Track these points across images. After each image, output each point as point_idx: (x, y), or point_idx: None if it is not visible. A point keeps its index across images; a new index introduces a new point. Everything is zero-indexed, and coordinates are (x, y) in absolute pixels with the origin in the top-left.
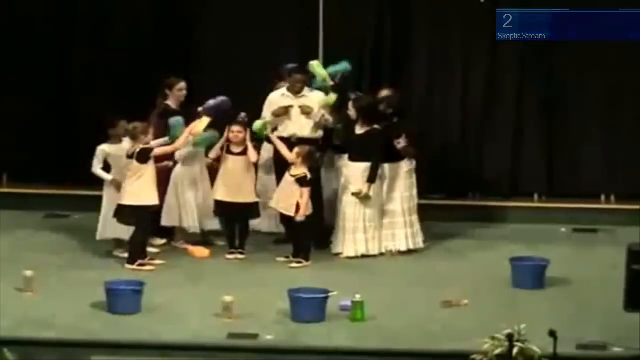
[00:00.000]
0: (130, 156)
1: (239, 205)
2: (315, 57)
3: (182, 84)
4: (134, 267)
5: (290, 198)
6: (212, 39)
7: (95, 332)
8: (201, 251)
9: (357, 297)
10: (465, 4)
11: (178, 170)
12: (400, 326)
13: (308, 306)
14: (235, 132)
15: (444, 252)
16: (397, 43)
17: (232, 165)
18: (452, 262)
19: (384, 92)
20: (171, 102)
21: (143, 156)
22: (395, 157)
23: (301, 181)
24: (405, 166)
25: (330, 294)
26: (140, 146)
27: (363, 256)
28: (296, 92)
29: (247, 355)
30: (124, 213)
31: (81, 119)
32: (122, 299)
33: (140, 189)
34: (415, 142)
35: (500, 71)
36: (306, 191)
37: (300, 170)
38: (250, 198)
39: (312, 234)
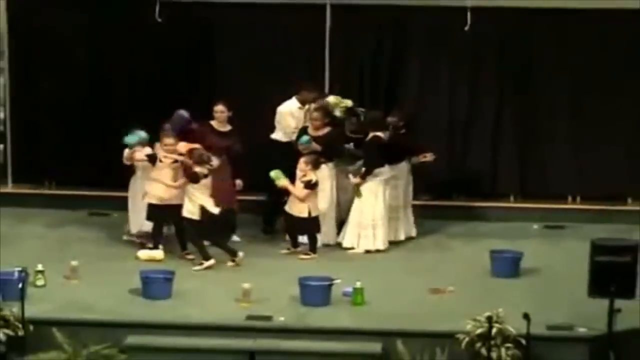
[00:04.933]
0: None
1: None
2: (322, 77)
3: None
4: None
5: (302, 202)
6: (231, 44)
7: (131, 314)
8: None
9: (358, 284)
10: (450, 32)
11: None
12: (395, 309)
13: (315, 292)
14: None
15: (433, 246)
16: (394, 66)
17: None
18: (439, 254)
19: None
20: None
21: (151, 160)
22: (396, 158)
23: (308, 185)
24: (406, 166)
25: (334, 282)
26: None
27: (367, 252)
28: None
29: (262, 334)
30: (151, 210)
31: (120, 131)
32: (155, 286)
33: (155, 189)
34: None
35: (480, 90)
36: (312, 192)
37: (310, 176)
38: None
39: (318, 229)
